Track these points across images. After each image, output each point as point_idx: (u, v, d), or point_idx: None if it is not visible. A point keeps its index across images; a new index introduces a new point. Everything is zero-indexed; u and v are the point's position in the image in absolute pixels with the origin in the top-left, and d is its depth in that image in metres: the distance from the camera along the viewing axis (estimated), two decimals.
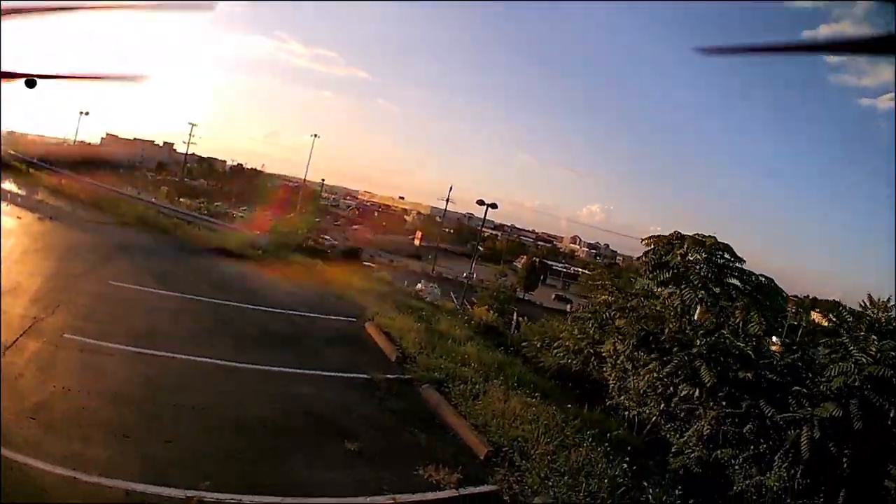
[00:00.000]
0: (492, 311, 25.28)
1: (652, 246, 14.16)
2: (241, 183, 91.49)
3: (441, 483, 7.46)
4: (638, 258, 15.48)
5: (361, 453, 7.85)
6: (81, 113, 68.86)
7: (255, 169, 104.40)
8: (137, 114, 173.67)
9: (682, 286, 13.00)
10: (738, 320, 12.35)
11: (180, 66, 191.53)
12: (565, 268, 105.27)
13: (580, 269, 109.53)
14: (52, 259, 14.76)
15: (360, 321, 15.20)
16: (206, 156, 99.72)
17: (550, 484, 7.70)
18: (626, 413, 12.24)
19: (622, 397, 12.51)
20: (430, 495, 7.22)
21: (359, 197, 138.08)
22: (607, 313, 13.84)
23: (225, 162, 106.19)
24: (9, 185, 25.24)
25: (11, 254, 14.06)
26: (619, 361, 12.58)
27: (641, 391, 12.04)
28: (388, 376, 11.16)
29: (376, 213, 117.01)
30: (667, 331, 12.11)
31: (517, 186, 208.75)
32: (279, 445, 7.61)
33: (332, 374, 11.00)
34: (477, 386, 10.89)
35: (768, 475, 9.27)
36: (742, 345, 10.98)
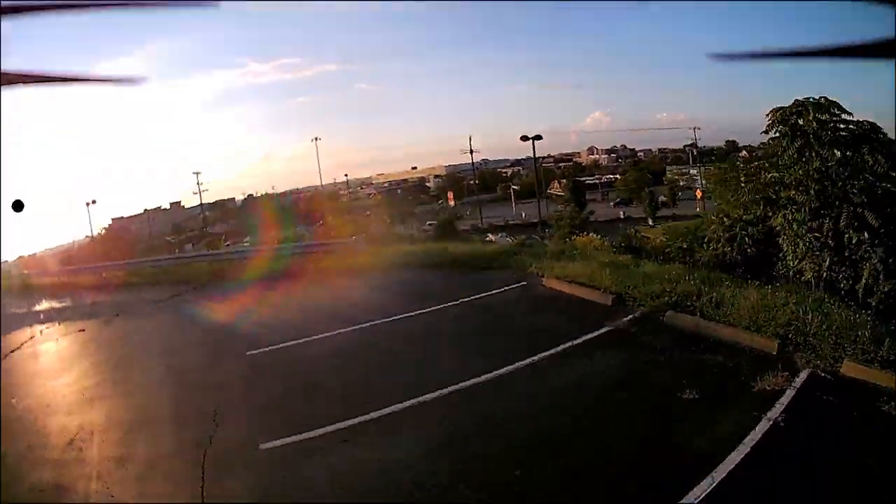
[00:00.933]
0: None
1: (778, 117, 13.42)
2: (261, 212, 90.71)
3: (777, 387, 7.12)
4: (763, 132, 14.51)
5: (702, 399, 7.00)
6: (88, 203, 68.30)
7: (267, 193, 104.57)
8: (137, 186, 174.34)
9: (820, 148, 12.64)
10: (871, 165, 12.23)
11: (150, 127, 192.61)
12: (597, 180, 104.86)
13: (612, 176, 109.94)
14: (165, 365, 10.88)
15: (529, 280, 13.86)
16: (213, 201, 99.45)
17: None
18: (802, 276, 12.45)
19: (802, 262, 12.43)
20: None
21: (372, 182, 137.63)
22: (772, 190, 13.34)
23: (234, 199, 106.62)
24: (46, 304, 21.56)
25: (103, 382, 10.32)
26: (794, 229, 12.29)
27: (816, 250, 12.15)
28: (627, 318, 10.17)
29: (399, 191, 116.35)
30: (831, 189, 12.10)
31: (519, 118, 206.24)
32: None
33: (583, 338, 9.50)
34: (711, 295, 10.31)
35: None
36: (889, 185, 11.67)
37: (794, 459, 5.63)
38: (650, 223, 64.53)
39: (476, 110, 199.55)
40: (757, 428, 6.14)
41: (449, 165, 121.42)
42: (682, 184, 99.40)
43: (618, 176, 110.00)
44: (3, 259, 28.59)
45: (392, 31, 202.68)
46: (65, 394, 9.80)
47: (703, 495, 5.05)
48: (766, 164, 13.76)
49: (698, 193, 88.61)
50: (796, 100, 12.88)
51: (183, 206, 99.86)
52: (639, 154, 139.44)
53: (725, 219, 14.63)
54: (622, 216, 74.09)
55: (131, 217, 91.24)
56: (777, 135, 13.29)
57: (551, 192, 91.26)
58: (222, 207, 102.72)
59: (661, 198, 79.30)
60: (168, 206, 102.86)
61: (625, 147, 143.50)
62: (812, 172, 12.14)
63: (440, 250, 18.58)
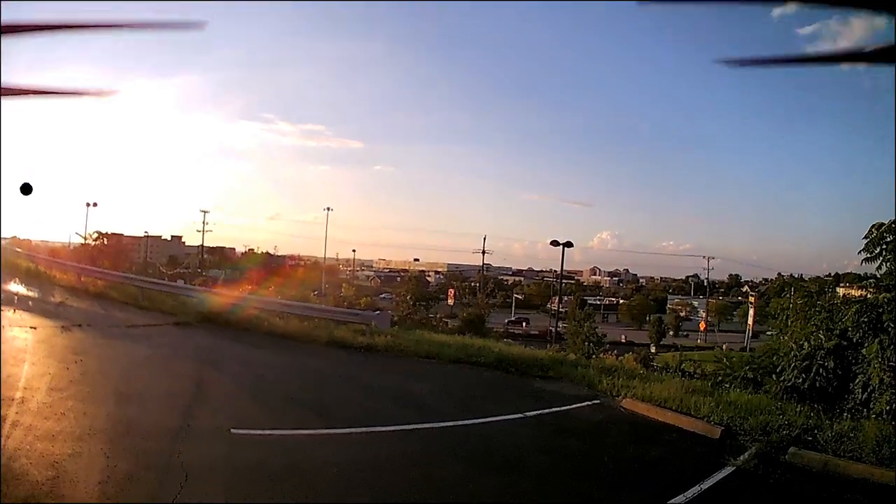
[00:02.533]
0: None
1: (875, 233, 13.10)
2: (258, 267, 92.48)
3: None
4: (863, 251, 14.10)
5: None
6: (89, 205, 65.81)
7: (268, 253, 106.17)
8: (140, 208, 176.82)
9: None
10: None
11: (170, 155, 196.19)
12: (599, 300, 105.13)
13: (614, 298, 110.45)
14: (108, 403, 8.83)
15: (603, 399, 12.14)
16: (214, 245, 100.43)
17: None
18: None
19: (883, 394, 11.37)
20: None
21: (374, 266, 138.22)
22: (865, 316, 12.37)
23: (234, 249, 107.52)
24: (16, 287, 20.56)
25: (31, 395, 8.50)
26: (887, 356, 11.35)
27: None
28: (746, 456, 8.77)
29: (398, 279, 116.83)
30: None
31: (526, 228, 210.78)
32: None
33: (711, 480, 7.87)
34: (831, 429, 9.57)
35: None
36: None
37: None
38: (652, 350, 64.11)
39: (487, 213, 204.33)
40: None
41: (450, 264, 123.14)
42: (682, 314, 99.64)
43: (619, 300, 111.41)
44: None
45: (422, 119, 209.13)
46: None
47: None
48: (871, 286, 13.45)
49: (702, 326, 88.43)
50: None
51: (184, 242, 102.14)
52: (641, 280, 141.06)
53: (805, 345, 13.37)
54: (623, 340, 73.43)
55: (130, 237, 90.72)
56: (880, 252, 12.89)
57: (551, 307, 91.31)
58: (221, 254, 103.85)
59: (666, 326, 78.66)
60: (169, 238, 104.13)
61: (627, 271, 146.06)
62: None
63: (481, 347, 16.54)
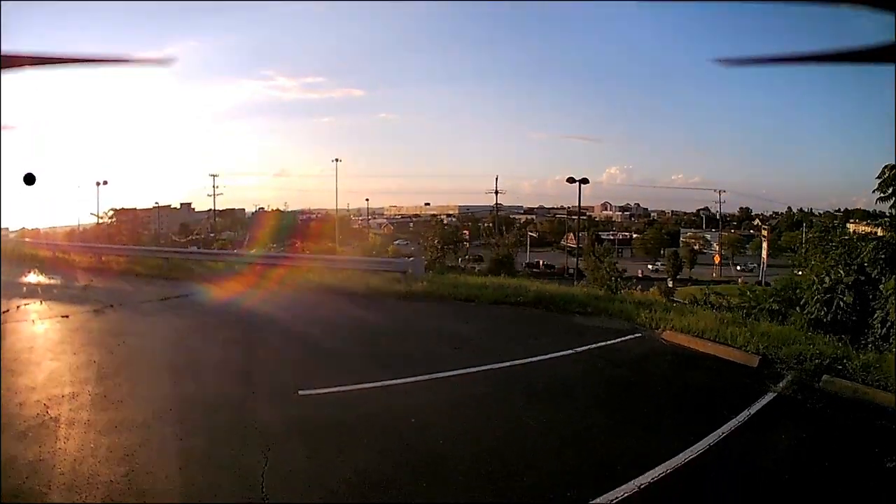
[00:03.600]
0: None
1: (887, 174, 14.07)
2: (270, 226, 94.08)
3: None
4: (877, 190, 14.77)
5: None
6: (99, 183, 66.10)
7: (279, 209, 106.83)
8: (149, 180, 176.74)
9: None
10: None
11: (171, 123, 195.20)
12: (612, 235, 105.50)
13: (627, 233, 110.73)
14: (164, 381, 9.02)
15: (643, 332, 12.94)
16: (223, 208, 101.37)
17: None
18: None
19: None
20: None
21: (385, 213, 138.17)
22: (882, 253, 13.45)
23: (244, 210, 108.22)
24: (36, 278, 20.30)
25: (81, 387, 8.52)
26: None
27: None
28: (784, 383, 9.55)
29: (411, 225, 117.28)
30: None
31: (535, 165, 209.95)
32: None
33: (757, 406, 8.64)
34: (859, 359, 10.22)
35: None
36: None
37: None
38: (670, 284, 64.68)
39: (494, 153, 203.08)
40: None
41: (462, 206, 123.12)
42: (696, 247, 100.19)
43: (632, 234, 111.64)
44: (3, 227, 27.36)
45: (423, 61, 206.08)
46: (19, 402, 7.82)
47: None
48: (887, 225, 14.20)
49: (717, 259, 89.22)
50: None
51: (193, 209, 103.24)
52: (652, 214, 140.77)
53: (827, 279, 14.30)
54: (640, 275, 74.23)
55: (142, 210, 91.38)
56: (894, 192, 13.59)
57: (565, 243, 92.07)
58: (231, 216, 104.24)
59: (682, 260, 79.37)
60: (178, 206, 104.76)
61: (638, 205, 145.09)
62: None
63: (517, 286, 17.20)
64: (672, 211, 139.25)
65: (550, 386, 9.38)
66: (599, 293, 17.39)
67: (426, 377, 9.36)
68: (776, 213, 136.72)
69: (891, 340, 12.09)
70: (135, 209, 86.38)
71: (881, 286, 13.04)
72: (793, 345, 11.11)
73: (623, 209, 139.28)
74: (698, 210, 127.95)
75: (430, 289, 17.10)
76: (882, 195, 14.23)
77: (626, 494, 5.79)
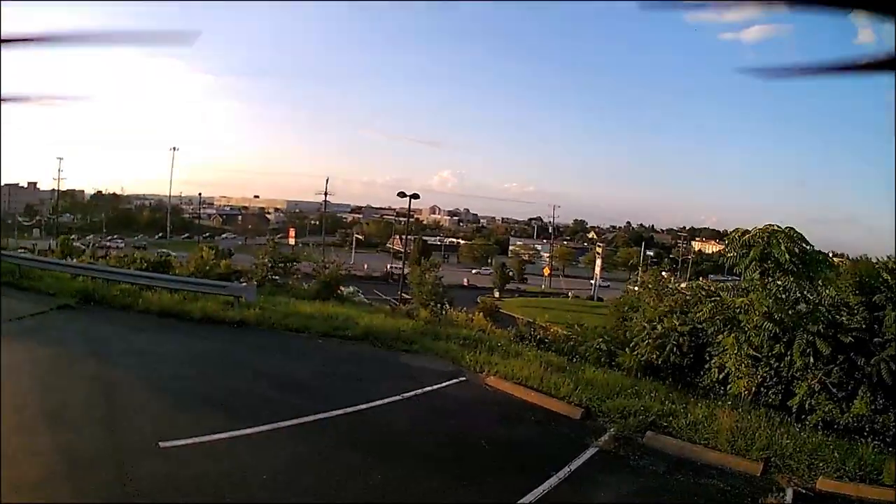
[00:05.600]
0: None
1: (746, 240, 14.57)
2: (107, 211, 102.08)
3: None
4: (721, 253, 16.42)
5: None
6: None
7: (115, 194, 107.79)
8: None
9: (779, 275, 14.04)
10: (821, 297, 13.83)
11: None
12: (439, 240, 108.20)
13: (455, 239, 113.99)
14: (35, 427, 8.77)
15: (468, 375, 13.62)
16: (66, 189, 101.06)
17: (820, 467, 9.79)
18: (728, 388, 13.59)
19: (739, 378, 13.47)
20: None
21: (215, 203, 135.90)
22: (732, 314, 14.22)
23: (83, 192, 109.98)
24: None
25: None
26: (744, 350, 13.33)
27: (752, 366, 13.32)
28: (606, 438, 10.43)
29: (240, 218, 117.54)
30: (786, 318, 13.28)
31: (366, 164, 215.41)
32: None
33: (578, 461, 9.38)
34: (686, 416, 11.31)
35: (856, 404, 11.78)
36: (839, 317, 12.88)
37: None
38: (496, 294, 67.09)
39: (326, 150, 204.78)
40: None
41: (290, 201, 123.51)
42: (526, 258, 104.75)
43: (460, 240, 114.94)
44: None
45: (270, 51, 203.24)
46: None
47: None
48: (732, 287, 15.22)
49: (546, 271, 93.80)
50: (767, 226, 14.08)
51: (37, 188, 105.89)
52: (482, 220, 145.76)
53: (659, 326, 15.39)
54: (466, 283, 76.54)
55: None
56: (737, 255, 14.34)
57: (390, 246, 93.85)
58: (72, 197, 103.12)
59: (510, 271, 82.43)
60: (25, 185, 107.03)
61: (468, 211, 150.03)
62: (772, 301, 13.20)
63: (346, 318, 17.93)
64: (503, 218, 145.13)
65: (383, 440, 9.82)
66: (424, 327, 17.97)
67: (267, 427, 9.50)
68: (614, 227, 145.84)
69: (728, 386, 13.32)
70: None
71: (719, 337, 14.09)
72: (617, 398, 12.02)
73: (452, 214, 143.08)
74: (530, 219, 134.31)
75: (262, 316, 17.41)
76: (734, 259, 14.69)
77: None
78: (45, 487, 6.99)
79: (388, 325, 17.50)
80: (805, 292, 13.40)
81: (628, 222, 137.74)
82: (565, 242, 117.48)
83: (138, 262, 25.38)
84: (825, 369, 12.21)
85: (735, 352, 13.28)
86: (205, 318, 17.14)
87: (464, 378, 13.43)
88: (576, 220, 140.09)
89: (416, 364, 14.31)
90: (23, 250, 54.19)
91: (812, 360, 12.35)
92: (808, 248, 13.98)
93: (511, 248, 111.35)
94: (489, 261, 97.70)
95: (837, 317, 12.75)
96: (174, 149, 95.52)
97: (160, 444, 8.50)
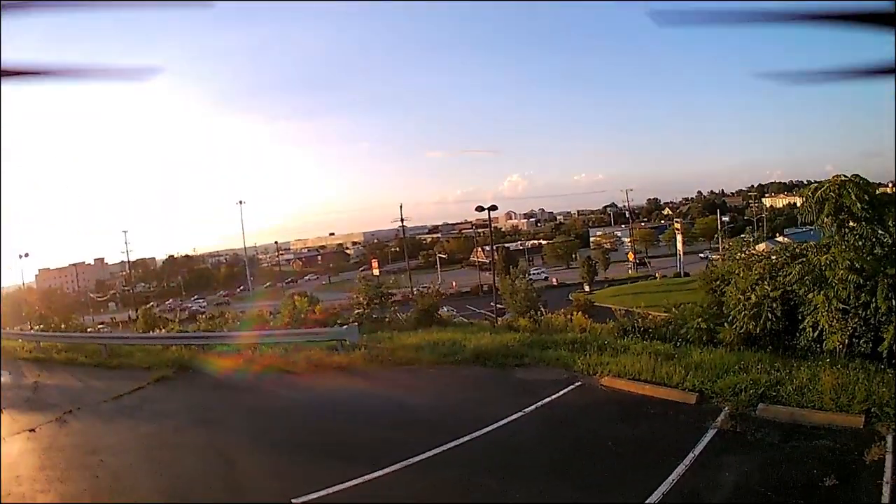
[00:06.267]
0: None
1: (819, 193, 14.84)
2: (182, 274, 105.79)
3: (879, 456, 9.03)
4: (800, 211, 16.36)
5: (840, 483, 8.35)
6: (21, 256, 74.31)
7: (188, 255, 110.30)
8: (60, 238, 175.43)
9: (853, 225, 14.29)
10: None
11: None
12: (521, 245, 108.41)
13: (535, 241, 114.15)
14: None
15: (583, 379, 14.43)
16: (134, 259, 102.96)
17: None
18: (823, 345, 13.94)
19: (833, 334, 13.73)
20: None
21: (291, 247, 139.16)
22: (818, 272, 14.64)
23: (154, 259, 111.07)
24: None
25: None
26: (834, 304, 13.66)
27: (842, 320, 13.63)
28: (723, 417, 11.06)
29: (319, 258, 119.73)
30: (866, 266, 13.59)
31: (434, 184, 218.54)
32: None
33: (701, 446, 10.04)
34: (792, 382, 11.91)
35: None
36: None
37: None
38: (586, 289, 67.02)
39: (394, 176, 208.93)
40: (884, 491, 7.96)
41: (366, 232, 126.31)
42: (607, 246, 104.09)
43: (541, 241, 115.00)
44: None
45: (322, 91, 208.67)
46: None
47: None
48: (814, 245, 15.51)
49: (630, 256, 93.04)
50: (836, 177, 14.42)
51: (105, 263, 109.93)
52: (558, 217, 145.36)
53: (753, 296, 15.70)
54: (556, 282, 76.72)
55: (57, 269, 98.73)
56: (813, 213, 14.72)
57: (474, 259, 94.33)
58: (143, 266, 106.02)
59: (596, 262, 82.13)
60: (92, 262, 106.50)
61: (543, 210, 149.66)
62: (852, 251, 13.60)
63: (453, 342, 18.67)
64: (578, 211, 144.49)
65: (512, 460, 10.31)
66: (530, 339, 18.83)
67: (399, 465, 10.03)
68: (686, 200, 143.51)
69: (823, 343, 13.65)
70: (47, 269, 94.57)
71: (810, 296, 14.42)
72: (726, 376, 12.62)
73: (528, 216, 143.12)
74: (605, 207, 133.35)
75: (368, 356, 18.12)
76: (808, 217, 15.22)
77: None
78: None
79: (495, 343, 18.26)
80: (879, 236, 13.75)
81: (699, 192, 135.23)
82: (643, 224, 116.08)
83: (230, 323, 26.84)
84: None
85: (826, 308, 13.68)
86: (310, 366, 17.81)
87: (579, 383, 14.18)
88: (649, 200, 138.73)
89: (531, 377, 15.12)
90: (102, 325, 56.96)
91: (895, 302, 12.70)
92: (875, 191, 14.27)
93: (592, 239, 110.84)
94: (574, 256, 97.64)
95: None
96: (241, 202, 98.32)
97: (293, 501, 9.03)
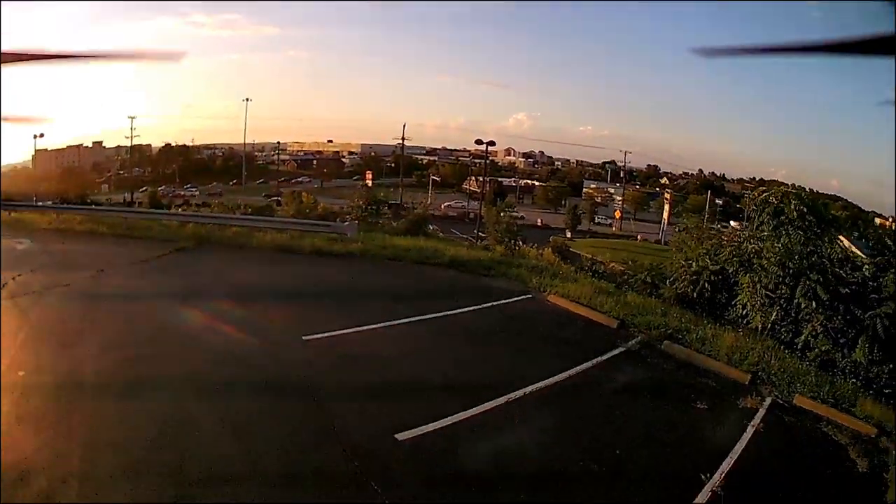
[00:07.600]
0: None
1: (764, 198, 17.26)
2: (177, 162, 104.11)
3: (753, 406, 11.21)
4: (748, 208, 18.90)
5: (710, 409, 10.91)
6: (36, 136, 74.66)
7: (185, 145, 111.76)
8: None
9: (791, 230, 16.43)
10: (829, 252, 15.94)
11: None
12: (514, 182, 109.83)
13: (530, 181, 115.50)
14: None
15: (534, 294, 17.47)
16: (132, 144, 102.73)
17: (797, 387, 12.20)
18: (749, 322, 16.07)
19: (755, 313, 15.99)
20: None
21: (288, 149, 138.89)
22: (746, 257, 17.18)
23: (150, 146, 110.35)
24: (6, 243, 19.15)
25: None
26: (757, 289, 15.89)
27: (767, 306, 15.74)
28: (633, 342, 13.86)
29: (314, 163, 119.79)
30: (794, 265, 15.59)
31: (439, 108, 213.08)
32: None
33: (609, 354, 13.05)
34: (697, 332, 14.48)
35: (856, 352, 13.61)
36: (840, 271, 14.97)
37: (767, 449, 9.70)
38: (568, 235, 69.23)
39: (400, 94, 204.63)
40: (747, 430, 10.10)
41: (364, 144, 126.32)
42: (598, 200, 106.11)
43: (535, 182, 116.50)
44: None
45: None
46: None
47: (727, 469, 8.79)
48: (747, 235, 17.93)
49: (617, 214, 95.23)
50: (782, 186, 17.08)
51: (104, 147, 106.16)
52: (556, 163, 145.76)
53: (694, 265, 18.28)
54: (540, 223, 78.74)
55: (56, 150, 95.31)
56: (757, 211, 17.20)
57: (467, 187, 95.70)
58: (139, 152, 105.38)
59: (581, 212, 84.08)
60: (90, 145, 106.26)
61: (542, 153, 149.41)
62: (782, 249, 15.78)
63: (435, 250, 22.22)
64: (577, 161, 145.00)
65: (467, 333, 13.73)
66: (500, 258, 22.24)
67: (387, 323, 13.56)
68: (686, 174, 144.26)
69: (749, 321, 15.87)
70: (45, 150, 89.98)
71: (740, 277, 16.80)
72: (647, 315, 15.48)
73: (527, 156, 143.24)
74: (604, 163, 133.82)
75: (364, 249, 21.87)
76: (753, 209, 17.50)
77: (517, 396, 10.24)
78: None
79: (470, 256, 21.88)
80: (812, 246, 15.72)
81: (700, 170, 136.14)
82: (637, 187, 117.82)
83: (242, 208, 29.63)
84: (826, 315, 14.37)
85: (751, 290, 15.99)
86: (314, 251, 21.43)
87: (530, 296, 17.35)
88: (649, 166, 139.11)
89: (494, 285, 18.32)
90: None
91: (814, 304, 14.48)
92: (818, 208, 16.58)
93: (585, 190, 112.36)
94: (563, 202, 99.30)
95: (838, 270, 14.86)
96: (247, 100, 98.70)
97: (304, 337, 12.14)
